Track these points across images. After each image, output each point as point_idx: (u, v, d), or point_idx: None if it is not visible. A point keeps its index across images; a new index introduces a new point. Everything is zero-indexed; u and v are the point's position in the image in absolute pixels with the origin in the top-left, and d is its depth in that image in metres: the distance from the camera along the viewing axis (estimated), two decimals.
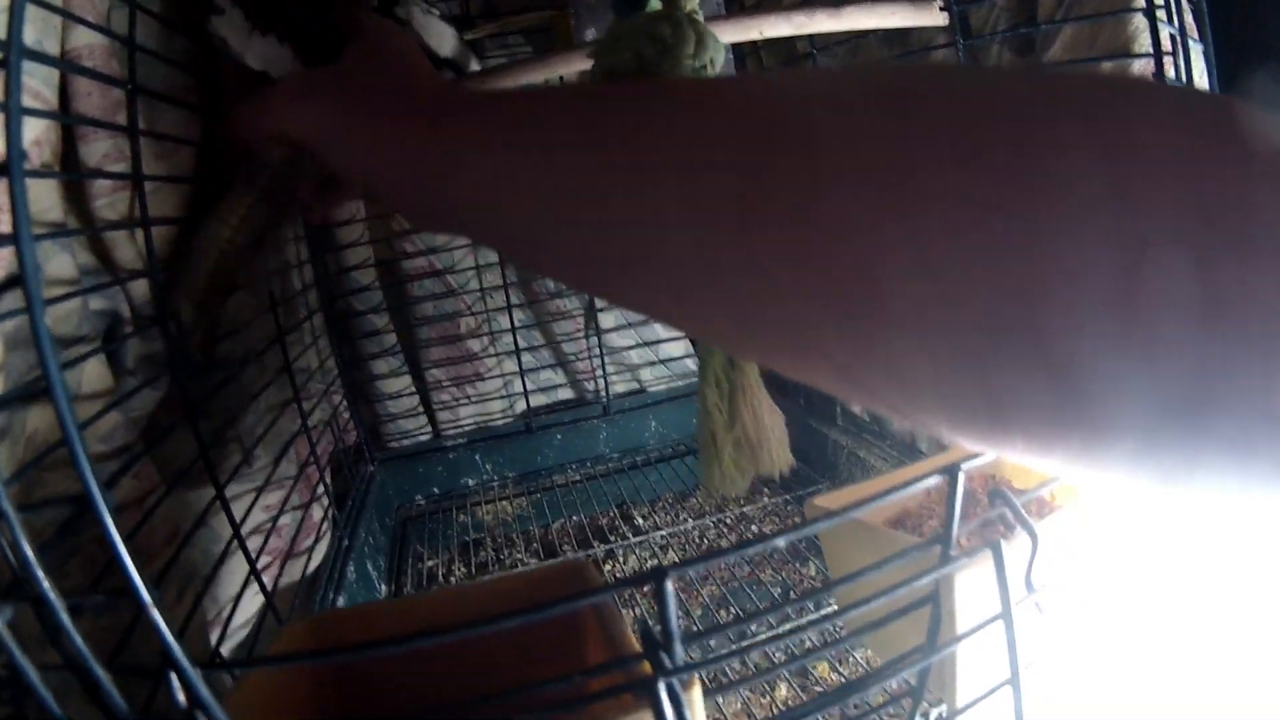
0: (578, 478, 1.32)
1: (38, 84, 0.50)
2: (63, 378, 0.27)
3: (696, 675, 0.33)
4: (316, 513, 0.96)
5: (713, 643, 0.80)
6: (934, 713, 0.53)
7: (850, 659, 0.86)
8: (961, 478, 0.36)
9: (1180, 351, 0.20)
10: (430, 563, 1.14)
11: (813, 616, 0.86)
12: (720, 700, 0.81)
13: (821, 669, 0.86)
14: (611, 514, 1.23)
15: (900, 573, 0.35)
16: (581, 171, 0.32)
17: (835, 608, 0.36)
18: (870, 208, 0.23)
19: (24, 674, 0.31)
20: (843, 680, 0.81)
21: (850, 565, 0.56)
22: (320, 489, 0.98)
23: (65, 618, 0.29)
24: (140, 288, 0.61)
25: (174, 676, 0.30)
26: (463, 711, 0.29)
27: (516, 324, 1.25)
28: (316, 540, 0.94)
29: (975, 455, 0.39)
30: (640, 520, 1.21)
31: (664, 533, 1.13)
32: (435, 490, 1.30)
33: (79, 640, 0.30)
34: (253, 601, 0.73)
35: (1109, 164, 0.21)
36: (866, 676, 0.37)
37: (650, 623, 0.30)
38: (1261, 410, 0.20)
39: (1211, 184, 0.20)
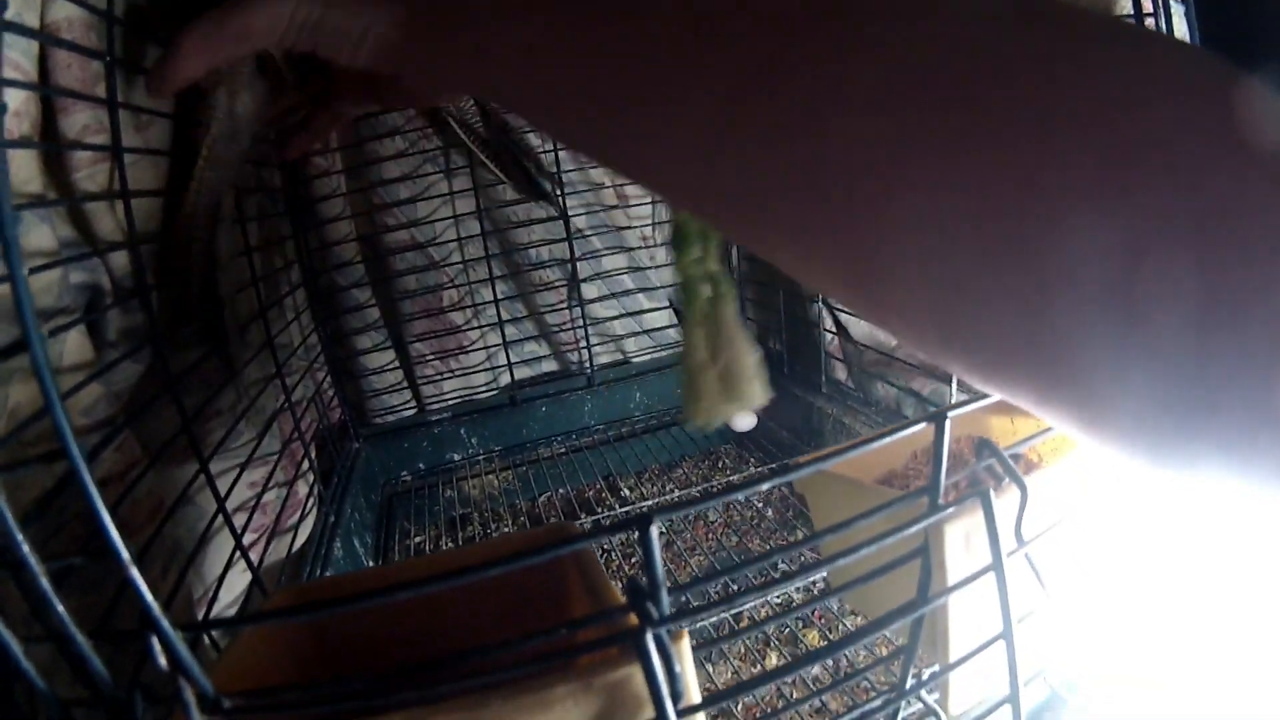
0: (563, 450, 1.32)
1: (17, 55, 0.50)
2: (45, 346, 0.27)
3: (685, 628, 0.33)
4: (302, 489, 0.96)
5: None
6: (927, 673, 0.53)
7: (840, 625, 0.87)
8: (948, 425, 0.36)
9: (1180, 351, 0.20)
10: (417, 538, 1.14)
11: (801, 582, 0.87)
12: (711, 670, 0.82)
13: (812, 637, 0.87)
14: (598, 486, 1.23)
15: (888, 523, 0.35)
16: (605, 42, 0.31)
17: (824, 560, 0.36)
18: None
19: (6, 646, 0.30)
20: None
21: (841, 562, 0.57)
22: (305, 465, 0.97)
23: (45, 582, 0.29)
24: (120, 260, 0.60)
25: (154, 640, 0.29)
26: (449, 667, 0.29)
27: (500, 296, 1.24)
28: (302, 517, 0.93)
29: (960, 405, 0.39)
30: (627, 492, 1.22)
31: (651, 503, 1.14)
32: (421, 466, 1.30)
33: (59, 606, 0.29)
34: (239, 579, 0.73)
35: (1111, 163, 0.21)
36: (856, 631, 0.37)
37: (638, 577, 0.30)
38: (1263, 411, 0.20)
39: (1213, 180, 0.20)
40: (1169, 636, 0.62)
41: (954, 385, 0.92)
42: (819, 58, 0.25)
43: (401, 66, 0.45)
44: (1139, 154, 0.20)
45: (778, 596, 0.90)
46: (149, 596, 0.29)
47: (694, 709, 0.31)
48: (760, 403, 0.81)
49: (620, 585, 0.42)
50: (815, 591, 0.88)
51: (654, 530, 0.28)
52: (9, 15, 0.43)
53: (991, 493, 0.38)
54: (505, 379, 1.32)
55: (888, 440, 0.36)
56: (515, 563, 0.28)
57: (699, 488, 1.18)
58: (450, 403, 1.30)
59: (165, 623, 0.29)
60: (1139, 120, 0.21)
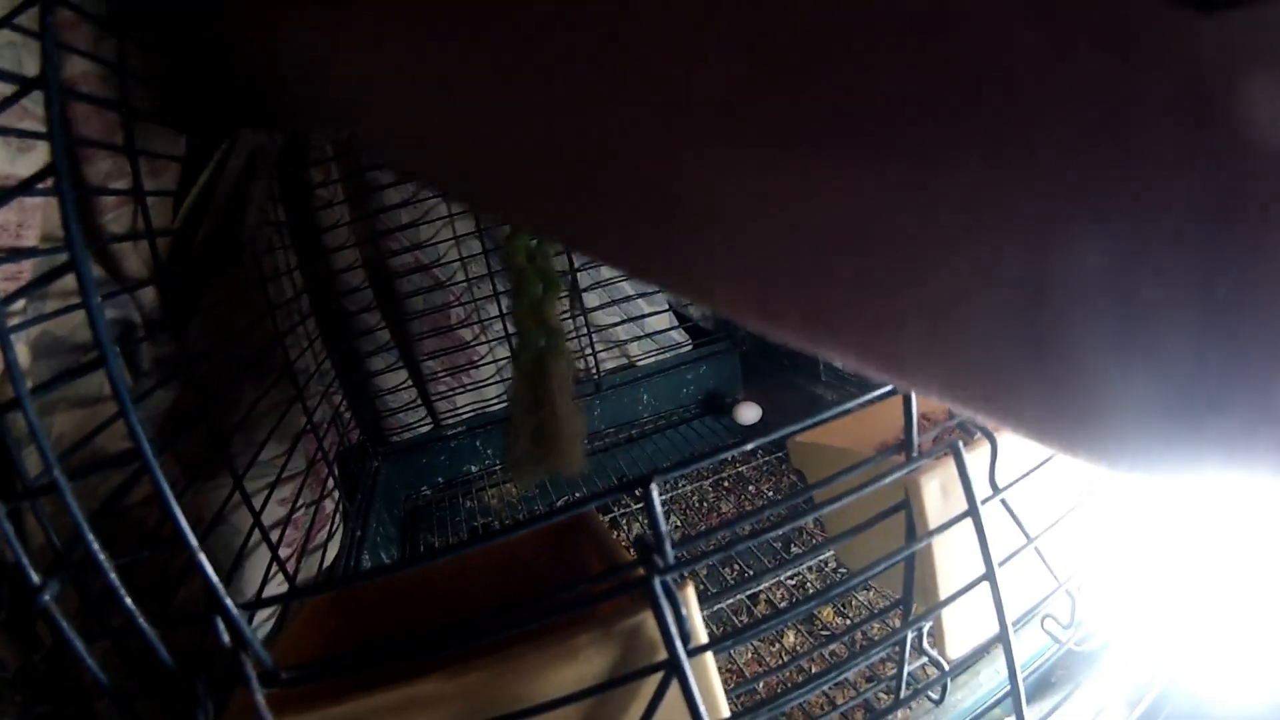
0: None
1: (43, 110, 0.54)
2: (118, 360, 0.30)
3: (690, 578, 0.37)
4: (328, 506, 1.00)
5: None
6: (925, 627, 0.56)
7: (854, 601, 0.91)
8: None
9: (1181, 349, 0.20)
10: None
11: (798, 523, 0.91)
12: (733, 654, 0.85)
13: (827, 614, 0.90)
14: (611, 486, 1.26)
15: (869, 474, 0.39)
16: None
17: (811, 509, 0.39)
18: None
19: (71, 645, 0.34)
20: (847, 623, 0.86)
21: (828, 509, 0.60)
22: (330, 483, 1.01)
23: (114, 576, 0.32)
24: (149, 295, 0.64)
25: (219, 619, 0.32)
26: (484, 625, 0.33)
27: (505, 310, 1.28)
28: (330, 534, 0.97)
29: None
30: (639, 490, 1.25)
31: (664, 498, 1.17)
32: (440, 479, 1.34)
33: (127, 599, 0.33)
34: (275, 592, 0.77)
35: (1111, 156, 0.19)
36: (851, 575, 0.41)
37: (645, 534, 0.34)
38: (1262, 407, 0.20)
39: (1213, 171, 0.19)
40: (1158, 582, 0.65)
41: None
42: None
43: None
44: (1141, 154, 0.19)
45: (790, 578, 0.94)
46: (214, 577, 0.32)
47: (702, 649, 0.35)
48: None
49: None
50: (826, 571, 0.92)
51: (654, 489, 0.32)
52: (30, 73, 0.47)
53: (960, 444, 0.42)
54: None
55: (860, 403, 0.40)
56: (540, 521, 0.32)
57: (709, 480, 1.21)
58: (464, 416, 1.33)
59: (229, 602, 0.32)
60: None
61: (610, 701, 0.37)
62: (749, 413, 1.35)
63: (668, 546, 0.33)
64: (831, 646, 0.79)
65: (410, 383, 1.30)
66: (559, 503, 1.24)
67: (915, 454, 0.41)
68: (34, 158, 0.51)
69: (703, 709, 0.33)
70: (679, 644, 0.33)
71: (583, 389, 1.36)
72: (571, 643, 0.36)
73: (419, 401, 1.32)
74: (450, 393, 1.32)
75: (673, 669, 0.33)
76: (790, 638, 0.88)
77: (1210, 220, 0.19)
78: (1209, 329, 0.20)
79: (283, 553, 0.78)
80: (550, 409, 0.79)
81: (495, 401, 1.34)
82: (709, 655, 0.38)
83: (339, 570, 0.94)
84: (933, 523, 0.45)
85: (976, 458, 0.44)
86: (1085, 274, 0.20)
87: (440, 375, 1.31)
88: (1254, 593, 0.64)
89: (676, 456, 1.31)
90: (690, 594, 0.35)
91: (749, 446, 0.36)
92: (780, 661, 0.81)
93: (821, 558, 0.95)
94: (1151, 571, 0.65)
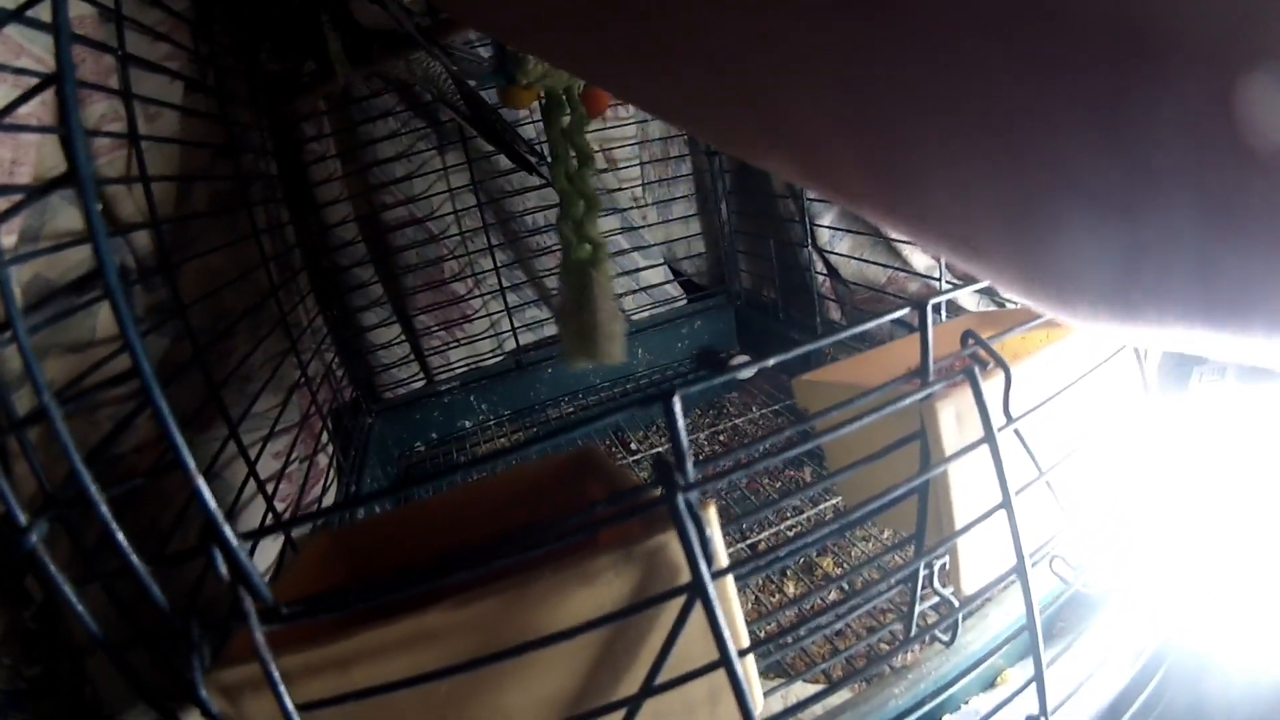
0: (571, 410, 1.35)
1: (39, 50, 0.53)
2: (124, 294, 0.29)
3: (712, 499, 0.36)
4: (322, 461, 0.99)
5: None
6: (937, 565, 0.56)
7: (855, 549, 0.91)
8: (930, 307, 0.39)
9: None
10: None
11: (805, 448, 0.91)
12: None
13: (827, 564, 0.90)
14: (608, 442, 1.26)
15: (886, 397, 0.38)
16: None
17: (822, 431, 0.38)
18: None
19: (60, 590, 0.32)
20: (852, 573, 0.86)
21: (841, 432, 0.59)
22: (324, 437, 1.00)
23: (106, 510, 0.31)
24: (143, 240, 0.63)
25: (217, 551, 0.31)
26: (497, 549, 0.32)
27: (499, 264, 1.27)
28: (325, 489, 0.96)
29: (943, 295, 0.42)
30: (636, 445, 1.24)
31: (661, 450, 1.16)
32: (434, 435, 1.33)
33: (119, 534, 0.31)
34: (271, 548, 0.76)
35: None
36: (864, 504, 0.39)
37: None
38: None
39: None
40: (1164, 533, 0.65)
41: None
42: None
43: None
44: None
45: (792, 530, 0.93)
46: (213, 503, 0.30)
47: (724, 571, 0.34)
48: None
49: None
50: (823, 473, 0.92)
51: (677, 403, 0.31)
52: (29, 13, 0.46)
53: (977, 369, 0.41)
54: (510, 345, 1.35)
55: (873, 325, 0.39)
56: (550, 439, 0.31)
57: (706, 433, 1.21)
58: (458, 372, 1.33)
59: (228, 530, 0.30)
60: None
61: (628, 630, 0.36)
62: (743, 368, 1.33)
63: (689, 464, 0.32)
64: (844, 583, 0.78)
65: (403, 338, 1.29)
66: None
67: (930, 380, 0.40)
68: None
69: (727, 633, 0.32)
70: (704, 565, 0.32)
71: None
72: (590, 565, 0.34)
73: (412, 357, 1.30)
74: (444, 347, 1.31)
75: (697, 592, 0.32)
76: (791, 588, 0.88)
77: None
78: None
79: (277, 507, 0.77)
80: (594, 311, 0.88)
81: (489, 356, 1.33)
82: (730, 582, 0.37)
83: (335, 524, 0.93)
84: (948, 448, 0.44)
85: (989, 388, 0.43)
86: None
87: (433, 329, 1.30)
88: (1259, 552, 0.64)
89: None
90: (713, 513, 0.34)
91: (769, 362, 0.35)
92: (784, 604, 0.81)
93: (831, 504, 0.95)
94: (1158, 522, 0.65)
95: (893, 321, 0.42)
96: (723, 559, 0.34)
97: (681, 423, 0.31)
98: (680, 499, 0.31)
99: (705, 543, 0.32)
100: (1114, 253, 0.20)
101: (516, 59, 0.83)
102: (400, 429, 1.31)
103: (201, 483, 0.30)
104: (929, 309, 0.40)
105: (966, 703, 0.67)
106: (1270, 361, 0.20)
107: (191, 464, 0.30)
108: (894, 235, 1.06)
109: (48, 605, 0.46)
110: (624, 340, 0.91)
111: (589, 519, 0.32)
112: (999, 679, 0.70)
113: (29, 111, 0.51)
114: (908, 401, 0.39)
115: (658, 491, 0.32)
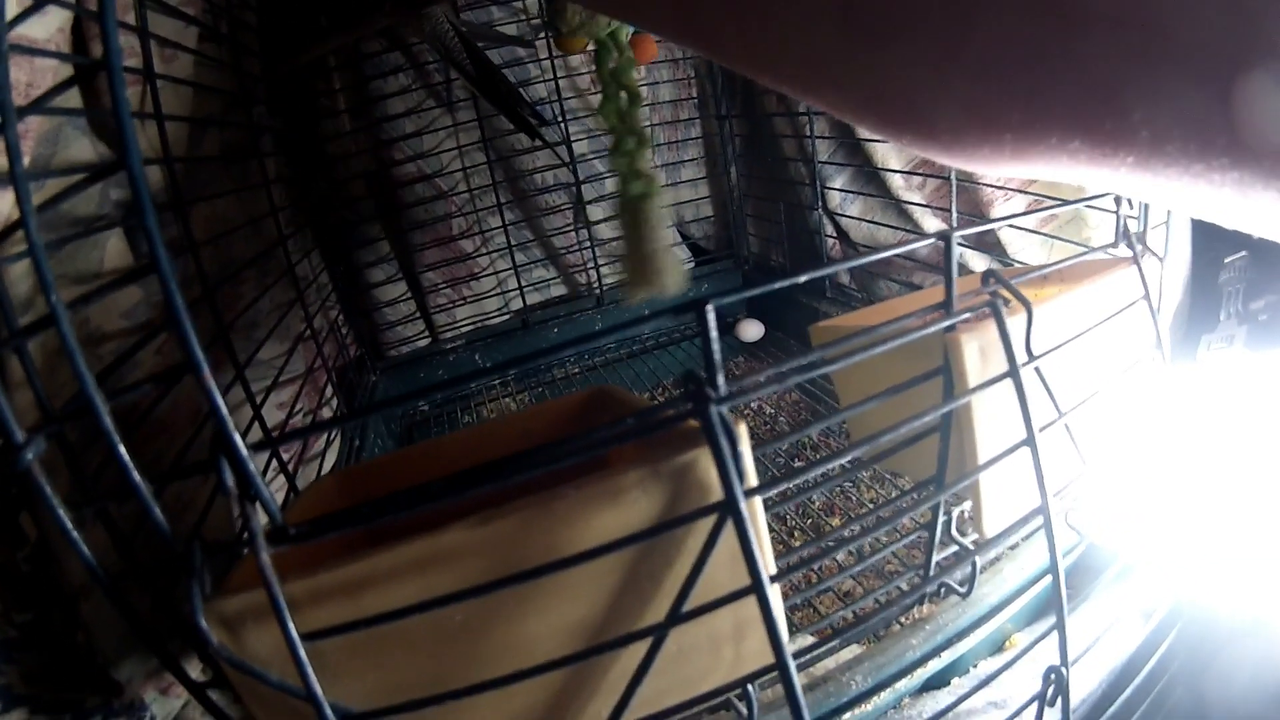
0: (577, 370, 1.35)
1: None
2: (155, 216, 0.27)
3: (742, 418, 0.35)
4: (326, 415, 0.98)
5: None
6: (956, 511, 0.55)
7: (862, 506, 0.90)
8: (955, 238, 0.38)
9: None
10: None
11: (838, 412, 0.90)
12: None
13: (836, 522, 0.90)
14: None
15: (909, 325, 0.37)
16: None
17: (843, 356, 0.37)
18: None
19: (55, 515, 0.30)
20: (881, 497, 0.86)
21: (860, 372, 0.58)
22: (329, 390, 1.00)
23: (109, 420, 0.29)
24: (154, 176, 0.62)
25: (224, 462, 0.29)
26: (520, 463, 0.30)
27: (507, 222, 1.26)
28: (328, 444, 0.96)
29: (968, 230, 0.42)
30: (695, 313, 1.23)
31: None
32: (438, 394, 1.32)
33: (120, 447, 0.29)
34: (275, 495, 0.75)
35: None
36: (886, 432, 0.38)
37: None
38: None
39: None
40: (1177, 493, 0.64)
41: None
42: None
43: None
44: None
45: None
46: (224, 408, 0.28)
47: (756, 490, 0.33)
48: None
49: None
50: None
51: (710, 312, 0.30)
52: None
53: (1001, 304, 0.40)
54: (516, 304, 1.34)
55: (896, 253, 0.38)
56: (572, 348, 0.30)
57: None
58: (463, 330, 1.32)
59: (238, 440, 0.29)
60: None
61: (653, 555, 0.35)
62: (752, 329, 1.33)
63: (721, 377, 0.31)
64: (860, 524, 0.78)
65: (409, 295, 1.28)
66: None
67: (954, 311, 0.40)
68: (46, 19, 0.49)
69: (759, 555, 0.31)
70: (736, 481, 0.31)
71: (584, 303, 1.35)
72: (616, 483, 0.33)
73: (418, 314, 1.30)
74: (450, 305, 1.30)
75: (729, 510, 0.31)
76: (798, 544, 0.87)
77: None
78: None
79: (282, 457, 0.77)
80: (651, 241, 0.91)
81: (495, 315, 1.32)
82: (759, 505, 0.36)
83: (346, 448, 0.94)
84: (972, 381, 0.44)
85: (1012, 325, 0.42)
86: None
87: (440, 287, 1.29)
88: (1267, 517, 0.64)
89: (679, 372, 1.30)
90: (744, 431, 0.33)
91: (801, 279, 0.34)
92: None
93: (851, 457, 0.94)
94: (1169, 483, 0.64)
95: (901, 284, 0.41)
96: (753, 478, 0.34)
97: (715, 334, 0.30)
98: (714, 411, 0.30)
99: (738, 458, 0.31)
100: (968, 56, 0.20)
101: (557, 9, 0.88)
102: (405, 387, 1.30)
103: (212, 384, 0.28)
104: (954, 239, 0.39)
105: (975, 666, 0.67)
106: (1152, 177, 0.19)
107: (204, 364, 0.28)
108: (905, 198, 1.05)
109: (42, 544, 0.45)
110: (682, 270, 0.93)
111: (618, 431, 0.31)
112: (1007, 643, 0.69)
113: (47, 37, 0.50)
114: (931, 330, 0.38)
115: (688, 406, 0.31)
